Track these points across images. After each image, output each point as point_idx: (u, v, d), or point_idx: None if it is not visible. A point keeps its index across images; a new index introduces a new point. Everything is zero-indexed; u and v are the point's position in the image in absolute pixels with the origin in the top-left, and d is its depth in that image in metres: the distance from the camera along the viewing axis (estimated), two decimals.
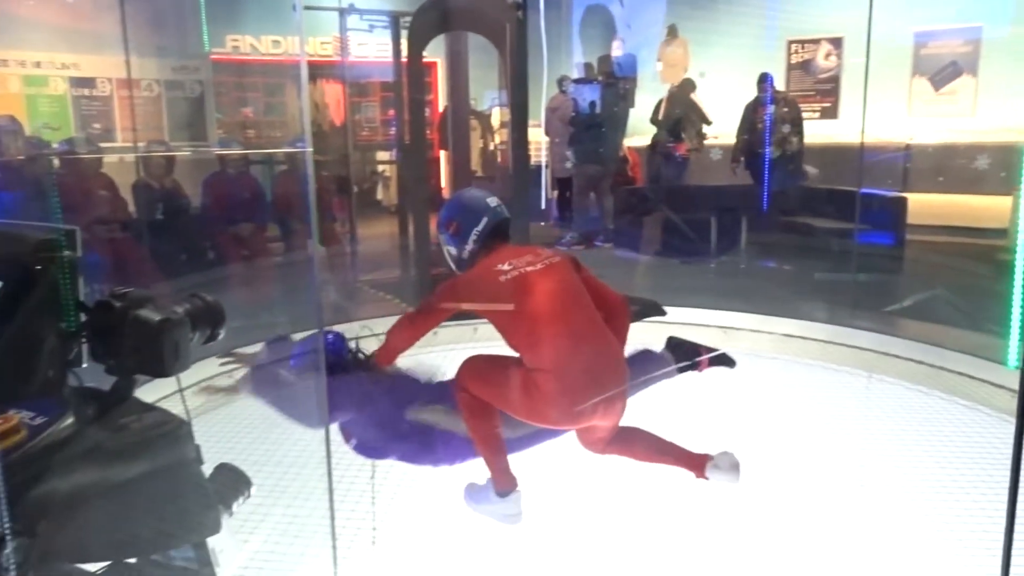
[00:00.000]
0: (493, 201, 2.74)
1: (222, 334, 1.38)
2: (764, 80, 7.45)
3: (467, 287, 2.66)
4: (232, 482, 1.32)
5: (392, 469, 3.38)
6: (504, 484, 2.71)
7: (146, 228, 5.27)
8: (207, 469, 1.38)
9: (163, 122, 8.43)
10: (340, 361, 2.90)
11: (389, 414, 2.79)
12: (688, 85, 8.44)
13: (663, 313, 3.23)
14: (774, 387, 4.41)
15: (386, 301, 5.86)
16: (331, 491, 2.73)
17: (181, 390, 1.33)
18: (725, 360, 3.08)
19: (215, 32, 9.00)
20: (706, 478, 2.73)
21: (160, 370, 1.21)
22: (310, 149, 3.06)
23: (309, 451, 3.50)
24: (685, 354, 3.01)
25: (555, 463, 3.38)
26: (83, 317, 1.25)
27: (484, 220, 2.66)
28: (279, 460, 3.49)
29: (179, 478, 1.19)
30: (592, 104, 8.02)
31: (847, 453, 3.55)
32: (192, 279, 5.55)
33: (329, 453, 2.78)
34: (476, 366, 2.69)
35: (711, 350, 3.09)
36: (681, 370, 3.00)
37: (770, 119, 7.21)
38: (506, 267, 2.55)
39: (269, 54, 9.67)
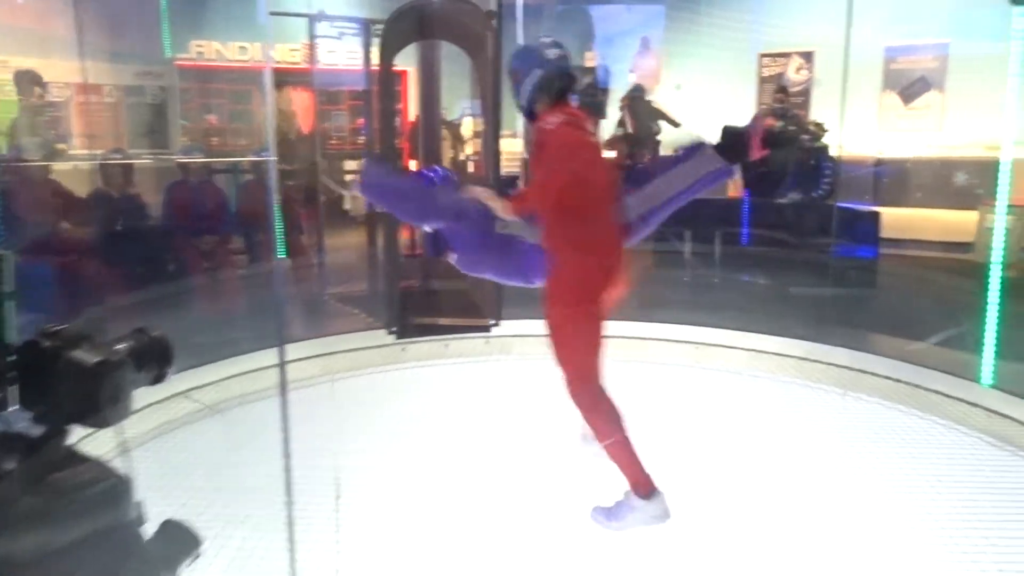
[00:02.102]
0: (553, 52, 2.75)
1: (171, 373, 1.24)
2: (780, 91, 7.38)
3: (572, 146, 2.65)
4: (179, 541, 1.18)
5: (357, 496, 3.25)
6: (646, 486, 2.69)
7: (103, 239, 5.06)
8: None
9: (122, 129, 8.18)
10: (451, 181, 3.04)
11: (485, 230, 2.88)
12: (637, 96, 8.27)
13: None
14: (749, 404, 4.34)
15: (353, 316, 5.71)
16: (291, 521, 2.60)
17: (123, 440, 1.19)
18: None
19: (180, 38, 8.79)
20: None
21: (97, 419, 1.07)
22: (274, 158, 2.97)
23: (272, 476, 3.36)
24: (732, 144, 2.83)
25: (531, 482, 3.28)
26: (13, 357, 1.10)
27: (538, 71, 2.70)
28: (238, 486, 3.32)
29: (115, 545, 1.05)
30: None
31: (824, 473, 3.48)
32: (151, 292, 5.36)
33: (289, 481, 2.65)
34: (563, 350, 2.75)
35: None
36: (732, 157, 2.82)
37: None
38: (590, 128, 2.67)
39: (235, 60, 9.47)
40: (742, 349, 5.08)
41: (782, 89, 7.45)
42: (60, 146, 6.66)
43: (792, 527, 3.03)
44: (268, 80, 2.96)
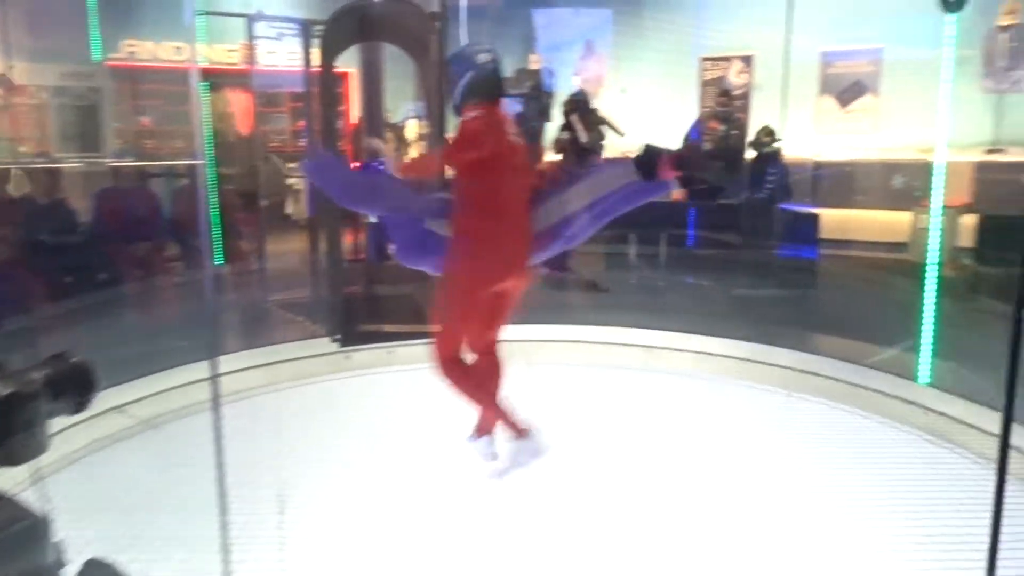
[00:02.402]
0: (483, 57, 2.95)
1: (94, 399, 1.15)
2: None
3: (475, 134, 2.84)
4: None
5: (301, 511, 3.15)
6: (483, 431, 3.30)
7: (28, 248, 4.82)
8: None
9: (49, 132, 7.83)
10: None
11: (423, 223, 3.03)
12: (581, 100, 8.34)
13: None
14: (697, 407, 4.36)
15: (296, 323, 5.57)
16: (226, 545, 2.49)
17: (38, 474, 1.10)
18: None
19: (111, 37, 8.48)
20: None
21: (8, 456, 0.98)
22: (203, 162, 2.87)
23: (212, 493, 3.23)
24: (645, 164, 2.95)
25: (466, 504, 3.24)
26: None
27: (469, 74, 2.90)
28: (177, 504, 3.19)
29: None
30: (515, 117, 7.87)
31: (769, 474, 3.51)
32: (82, 302, 5.14)
33: (224, 500, 2.54)
34: (438, 329, 3.08)
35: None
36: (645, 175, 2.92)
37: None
38: (511, 129, 2.90)
39: (170, 60, 9.19)
40: (689, 351, 5.12)
41: (725, 92, 7.60)
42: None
43: (738, 525, 3.05)
44: (194, 81, 2.86)
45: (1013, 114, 7.85)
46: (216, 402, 2.71)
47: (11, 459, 0.99)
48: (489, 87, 2.93)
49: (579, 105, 8.19)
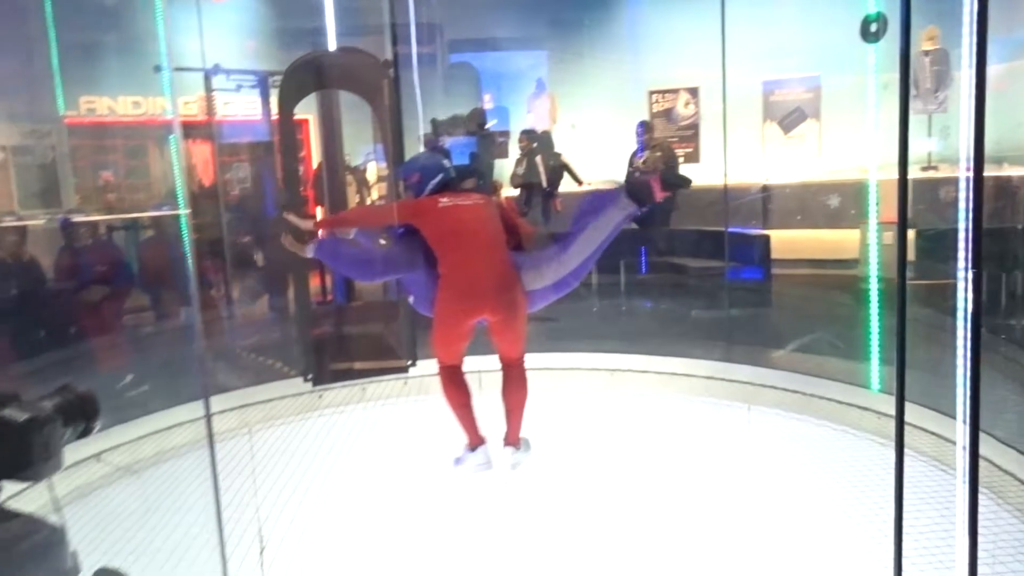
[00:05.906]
0: (447, 163, 3.86)
1: (98, 427, 1.28)
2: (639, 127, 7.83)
3: (417, 205, 3.74)
4: None
5: (282, 548, 3.22)
6: (472, 443, 3.77)
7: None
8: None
9: (12, 190, 7.87)
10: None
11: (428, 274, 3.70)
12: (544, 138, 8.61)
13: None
14: (664, 425, 4.50)
15: (267, 366, 5.64)
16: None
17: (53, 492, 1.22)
18: (677, 180, 3.62)
19: (68, 95, 8.57)
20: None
21: (30, 474, 1.11)
22: (184, 211, 3.01)
23: (190, 535, 3.29)
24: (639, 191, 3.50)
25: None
26: None
27: (440, 176, 3.76)
28: (159, 546, 3.25)
29: None
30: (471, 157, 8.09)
31: (735, 482, 3.66)
32: (53, 356, 5.17)
33: (222, 539, 2.63)
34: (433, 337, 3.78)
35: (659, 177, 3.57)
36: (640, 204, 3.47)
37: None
38: (445, 200, 3.65)
39: (129, 115, 9.28)
40: (654, 372, 5.28)
41: (643, 123, 8.02)
42: None
43: (707, 532, 3.18)
44: (178, 134, 3.03)
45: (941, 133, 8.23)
46: (211, 440, 2.80)
47: (31, 476, 1.11)
48: (451, 184, 3.80)
49: (542, 146, 8.39)
